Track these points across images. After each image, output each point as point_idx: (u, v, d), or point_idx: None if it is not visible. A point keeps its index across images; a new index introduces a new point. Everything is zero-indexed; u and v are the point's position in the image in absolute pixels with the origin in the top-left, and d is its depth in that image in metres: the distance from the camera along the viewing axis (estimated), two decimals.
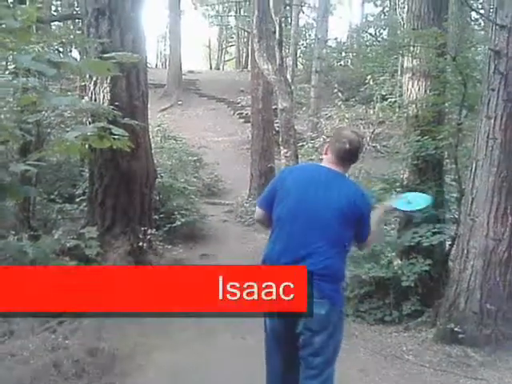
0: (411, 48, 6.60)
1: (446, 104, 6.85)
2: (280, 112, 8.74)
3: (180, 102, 24.12)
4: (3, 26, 2.24)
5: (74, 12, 8.89)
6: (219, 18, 33.68)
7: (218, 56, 39.47)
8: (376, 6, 29.03)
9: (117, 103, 6.77)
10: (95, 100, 6.98)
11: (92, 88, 7.02)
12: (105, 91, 6.90)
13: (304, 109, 17.47)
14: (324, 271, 2.78)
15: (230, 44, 38.79)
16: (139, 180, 7.20)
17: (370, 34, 26.54)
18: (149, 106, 7.82)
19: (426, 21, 6.53)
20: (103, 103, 6.86)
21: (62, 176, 9.95)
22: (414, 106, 6.72)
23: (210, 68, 38.17)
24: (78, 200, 8.70)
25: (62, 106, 5.08)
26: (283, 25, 27.81)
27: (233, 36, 37.56)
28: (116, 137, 3.06)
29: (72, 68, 2.20)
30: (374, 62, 9.35)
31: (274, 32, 8.54)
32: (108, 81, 6.84)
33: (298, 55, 28.91)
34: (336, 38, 28.40)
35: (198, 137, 18.97)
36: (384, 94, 10.12)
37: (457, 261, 5.22)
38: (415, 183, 6.62)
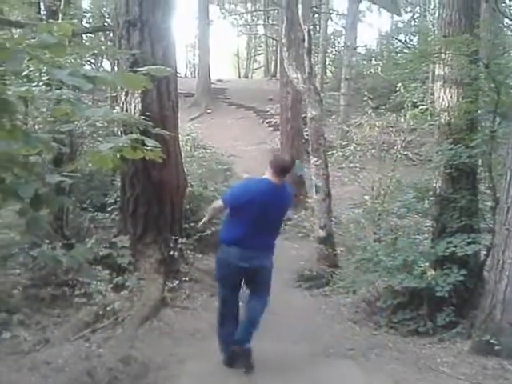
0: (442, 55, 6.52)
1: (479, 111, 6.75)
2: (309, 120, 8.72)
3: (209, 111, 24.27)
4: (40, 40, 2.28)
5: (106, 24, 8.98)
6: (248, 27, 33.83)
7: (246, 65, 39.64)
8: (406, 12, 28.77)
9: (148, 113, 6.83)
10: (126, 110, 7.06)
11: (123, 98, 7.10)
12: (136, 101, 6.97)
13: (333, 117, 17.39)
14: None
15: (259, 52, 38.91)
16: (170, 189, 7.24)
17: (400, 41, 26.35)
18: (179, 115, 7.88)
19: (457, 27, 6.45)
20: (134, 113, 6.93)
21: (94, 185, 10.06)
22: (446, 113, 6.63)
23: (239, 77, 38.34)
24: (109, 209, 8.81)
25: (94, 116, 5.14)
26: (312, 33, 27.92)
27: (261, 44, 37.70)
28: (149, 148, 3.08)
29: (106, 82, 2.22)
30: (405, 68, 9.27)
31: (303, 40, 8.52)
32: (139, 91, 6.91)
33: (327, 63, 28.85)
34: (366, 45, 28.27)
35: (228, 145, 19.02)
36: (415, 101, 10.02)
37: (492, 271, 5.11)
38: (448, 192, 6.53)
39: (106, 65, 13.25)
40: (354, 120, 13.75)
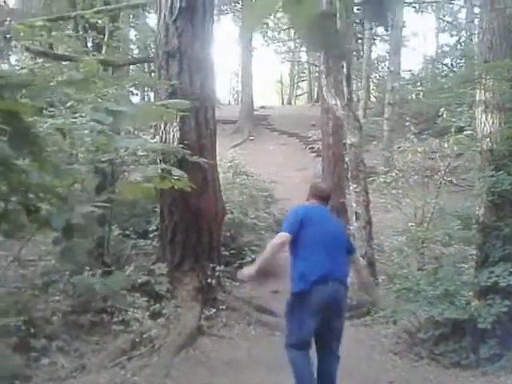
0: (483, 80, 6.39)
1: None
2: (349, 147, 8.66)
3: (252, 138, 24.42)
4: (67, 76, 2.34)
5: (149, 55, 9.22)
6: (291, 53, 34.07)
7: (289, 91, 39.86)
8: (451, 36, 28.45)
9: (186, 142, 6.93)
10: (166, 139, 7.18)
11: (162, 127, 7.23)
12: (174, 130, 7.08)
13: (374, 143, 17.21)
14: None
15: (302, 79, 39.08)
16: (208, 217, 7.28)
17: (445, 65, 26.03)
18: (221, 141, 7.97)
19: (498, 52, 6.33)
20: (173, 142, 7.04)
21: (137, 212, 10.18)
22: (488, 139, 6.47)
23: (282, 103, 38.55)
24: (151, 236, 8.89)
25: (131, 147, 5.23)
26: (355, 58, 27.93)
27: (304, 71, 37.85)
28: (176, 177, 3.10)
29: (127, 116, 2.26)
30: (450, 93, 9.12)
31: (342, 67, 8.52)
32: (178, 120, 7.02)
33: (371, 88, 28.74)
34: (410, 70, 27.98)
35: (270, 172, 18.99)
36: (462, 125, 9.80)
37: None
38: (491, 220, 6.34)
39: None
40: (397, 145, 13.58)
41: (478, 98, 6.89)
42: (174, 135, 7.11)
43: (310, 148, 21.77)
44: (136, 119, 2.49)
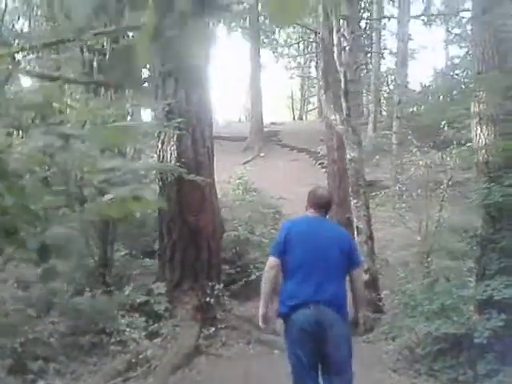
0: (477, 92, 6.38)
1: None
2: (349, 162, 8.65)
3: (262, 154, 24.48)
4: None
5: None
6: (301, 69, 34.23)
7: (300, 106, 39.93)
8: (460, 47, 28.36)
9: (183, 160, 6.98)
10: (163, 157, 7.23)
11: (160, 146, 7.30)
12: (171, 149, 7.15)
13: (377, 157, 17.17)
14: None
15: (312, 94, 39.14)
16: (206, 235, 7.30)
17: (456, 76, 25.92)
18: (232, 159, 8.04)
19: (490, 64, 6.32)
20: (170, 161, 7.09)
21: (146, 232, 10.22)
22: (483, 151, 6.44)
23: (294, 119, 38.61)
24: (156, 255, 8.90)
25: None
26: (365, 72, 27.93)
27: (314, 86, 37.94)
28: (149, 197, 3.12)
29: (81, 138, 2.28)
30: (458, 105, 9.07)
31: (340, 82, 8.54)
32: (175, 139, 7.09)
33: (380, 101, 28.71)
34: (421, 83, 27.90)
35: (279, 188, 19.03)
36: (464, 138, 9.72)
37: None
38: (489, 232, 6.28)
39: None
40: (404, 159, 13.51)
41: (472, 110, 6.88)
42: (171, 154, 7.17)
43: (319, 163, 21.74)
44: (95, 142, 2.50)
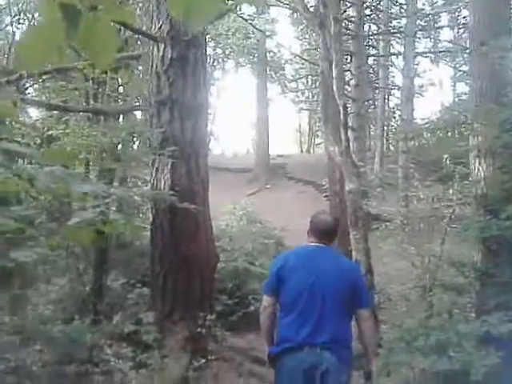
0: (475, 125, 6.33)
1: None
2: (347, 193, 8.54)
3: (268, 186, 24.50)
4: None
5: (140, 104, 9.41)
6: (308, 103, 34.45)
7: (308, 139, 40.10)
8: (467, 84, 28.51)
9: (177, 188, 6.92)
10: (157, 186, 7.17)
11: (154, 175, 7.24)
12: (165, 177, 7.09)
13: (379, 189, 17.11)
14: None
15: (320, 128, 39.27)
16: (199, 264, 7.18)
17: (462, 113, 25.94)
18: (238, 190, 8.00)
19: (488, 97, 6.26)
20: (164, 189, 7.03)
21: (146, 260, 10.12)
22: (482, 184, 6.35)
23: (301, 151, 38.78)
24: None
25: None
26: (372, 107, 28.05)
27: None
28: (123, 222, 3.05)
29: (24, 156, 2.22)
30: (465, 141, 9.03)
31: (339, 114, 8.49)
32: (169, 167, 7.05)
33: (388, 135, 28.80)
34: (429, 118, 27.96)
35: (284, 220, 18.96)
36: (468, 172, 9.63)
37: None
38: (488, 266, 6.14)
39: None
40: (409, 193, 13.42)
41: (471, 143, 6.81)
42: (165, 182, 7.12)
43: (325, 196, 21.69)
44: (37, 159, 2.45)
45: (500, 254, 6.14)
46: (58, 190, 3.81)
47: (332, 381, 3.46)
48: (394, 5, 24.05)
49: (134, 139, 8.47)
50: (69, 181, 3.19)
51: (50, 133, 7.89)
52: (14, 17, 13.05)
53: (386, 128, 28.17)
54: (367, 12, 22.88)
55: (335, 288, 3.60)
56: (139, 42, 10.40)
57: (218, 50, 30.86)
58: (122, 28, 7.54)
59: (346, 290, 3.63)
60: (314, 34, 21.60)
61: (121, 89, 9.23)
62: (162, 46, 7.25)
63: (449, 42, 27.20)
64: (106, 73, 8.12)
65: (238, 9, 19.22)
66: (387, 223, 10.70)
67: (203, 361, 6.69)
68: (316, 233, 3.82)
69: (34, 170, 3.92)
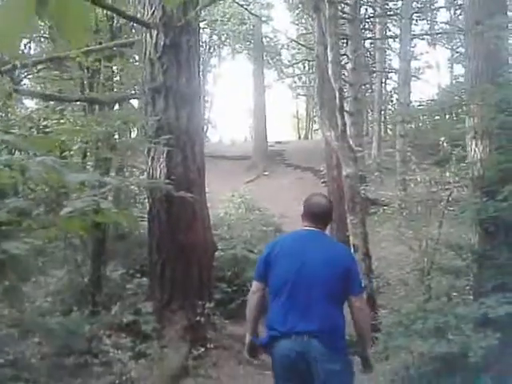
0: (471, 107, 6.26)
1: None
2: (344, 178, 8.51)
3: (266, 173, 24.45)
4: None
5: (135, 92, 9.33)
6: (305, 88, 34.31)
7: (306, 125, 39.96)
8: (464, 67, 28.33)
9: (173, 177, 6.88)
10: (153, 175, 7.13)
11: (150, 163, 7.20)
12: (161, 166, 7.04)
13: (376, 173, 17.08)
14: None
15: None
16: (197, 253, 7.15)
17: (460, 96, 25.81)
18: (236, 178, 7.95)
19: (484, 77, 6.20)
20: (160, 177, 6.98)
21: (145, 250, 10.10)
22: (478, 166, 6.30)
23: (299, 138, 38.64)
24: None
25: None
26: (370, 91, 27.90)
27: None
28: (115, 211, 3.00)
29: (12, 144, 2.18)
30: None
31: (335, 98, 8.43)
32: (164, 155, 7.00)
33: (385, 119, 28.68)
34: (427, 100, 27.86)
35: (282, 206, 18.94)
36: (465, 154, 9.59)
37: None
38: (485, 248, 6.11)
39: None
40: (406, 176, 13.39)
41: (467, 125, 6.75)
42: (160, 171, 7.07)
43: (323, 182, 21.66)
44: (24, 148, 2.42)
45: (497, 235, 6.10)
46: (50, 179, 3.79)
47: (321, 369, 3.33)
48: None
49: (131, 128, 8.36)
50: (61, 170, 3.16)
51: (45, 123, 7.81)
52: None
53: (383, 112, 28.02)
54: None
55: (323, 275, 3.44)
56: (133, 30, 10.31)
57: (214, 37, 30.71)
58: (115, 15, 7.46)
59: (337, 277, 3.47)
60: (310, 19, 21.37)
61: (116, 77, 9.15)
62: (155, 32, 7.17)
63: (445, 23, 27.06)
64: (100, 61, 8.05)
65: None
66: (385, 207, 10.63)
67: (202, 349, 6.69)
68: (309, 216, 3.62)
69: (26, 161, 3.89)
